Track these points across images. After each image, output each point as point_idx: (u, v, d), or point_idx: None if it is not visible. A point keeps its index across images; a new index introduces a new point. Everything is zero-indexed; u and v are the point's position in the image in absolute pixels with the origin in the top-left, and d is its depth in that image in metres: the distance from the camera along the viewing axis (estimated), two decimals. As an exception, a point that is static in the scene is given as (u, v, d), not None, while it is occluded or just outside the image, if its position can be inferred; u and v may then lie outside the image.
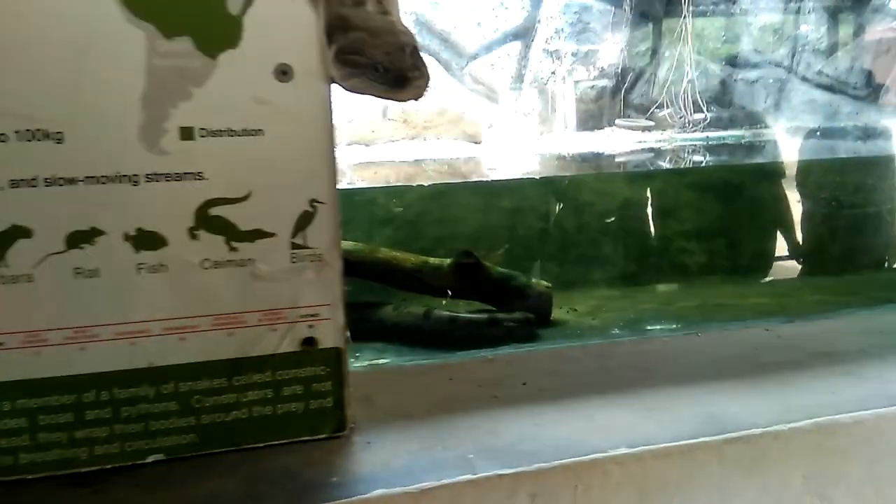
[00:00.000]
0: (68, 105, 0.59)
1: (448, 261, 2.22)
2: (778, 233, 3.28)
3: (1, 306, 0.60)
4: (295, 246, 0.65)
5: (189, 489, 0.61)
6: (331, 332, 0.67)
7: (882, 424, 0.72)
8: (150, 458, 0.64)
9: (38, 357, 0.61)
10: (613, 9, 5.40)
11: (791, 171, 3.47)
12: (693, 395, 0.77)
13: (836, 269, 3.13)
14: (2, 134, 0.58)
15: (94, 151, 0.60)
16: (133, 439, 0.64)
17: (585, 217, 3.03)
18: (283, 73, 0.63)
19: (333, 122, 0.64)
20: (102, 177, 0.60)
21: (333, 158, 0.65)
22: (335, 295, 0.67)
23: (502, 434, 0.69)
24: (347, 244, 2.25)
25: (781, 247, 3.25)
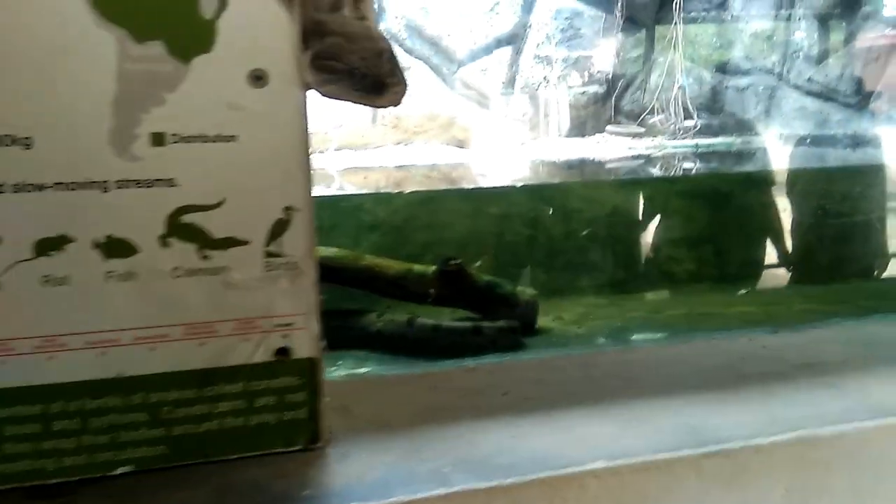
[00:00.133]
0: (37, 110, 0.57)
1: (432, 268, 2.21)
2: (767, 241, 3.28)
3: (-34, 315, 0.58)
4: (269, 254, 0.64)
5: (159, 501, 0.60)
6: (305, 342, 0.66)
7: (865, 437, 0.71)
8: (119, 470, 0.63)
9: (5, 366, 0.59)
10: (605, 15, 5.42)
11: (781, 179, 3.49)
12: (675, 407, 0.76)
13: (824, 278, 3.14)
14: (-32, 139, 0.56)
15: (63, 157, 0.58)
16: (101, 451, 0.62)
17: (574, 224, 3.03)
18: (258, 78, 0.62)
19: (308, 128, 0.63)
20: (72, 183, 0.59)
21: (309, 165, 0.64)
22: (310, 304, 0.66)
23: (481, 446, 0.68)
24: (331, 250, 2.24)
25: (771, 255, 3.26)
